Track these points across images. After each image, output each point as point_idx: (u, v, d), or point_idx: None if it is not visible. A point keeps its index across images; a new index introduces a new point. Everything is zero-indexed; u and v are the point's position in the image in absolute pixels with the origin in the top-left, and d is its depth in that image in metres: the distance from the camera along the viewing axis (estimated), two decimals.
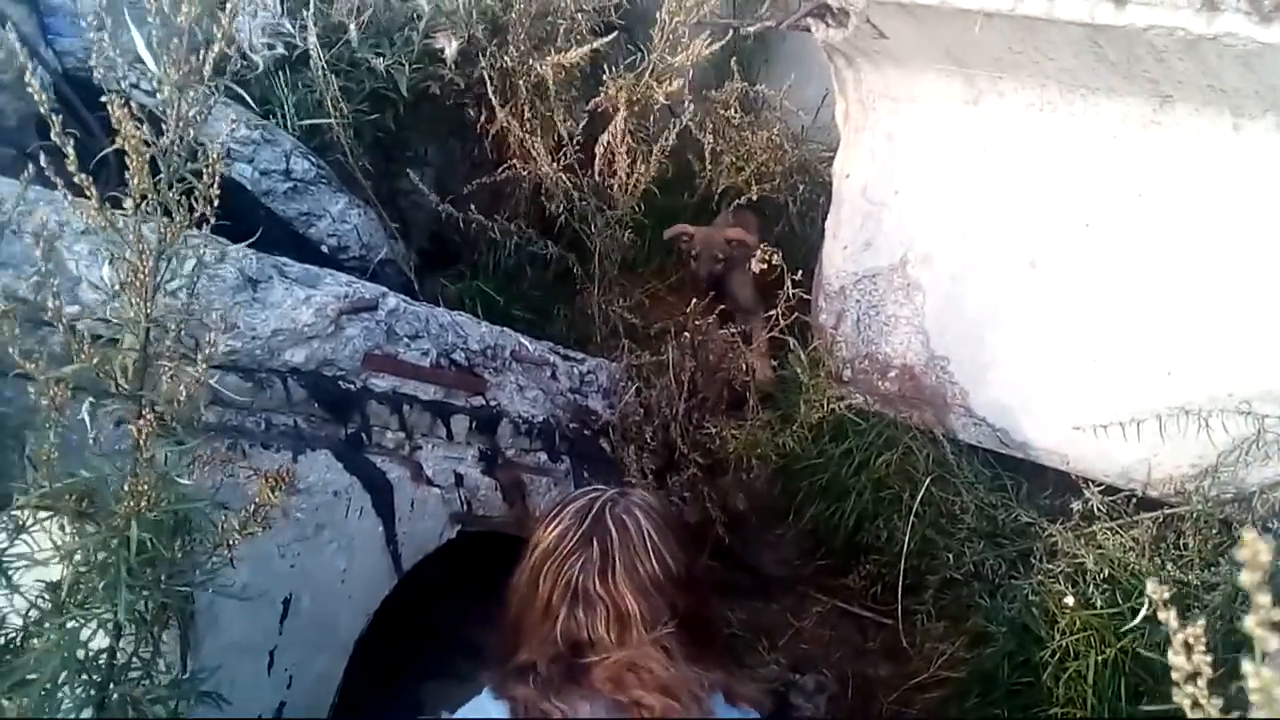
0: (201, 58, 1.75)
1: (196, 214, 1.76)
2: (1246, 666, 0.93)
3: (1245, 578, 0.94)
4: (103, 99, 1.72)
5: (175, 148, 1.76)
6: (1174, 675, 1.05)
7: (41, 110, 1.68)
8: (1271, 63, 2.69)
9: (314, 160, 3.87)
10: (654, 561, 1.85)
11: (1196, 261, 3.15)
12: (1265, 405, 3.00)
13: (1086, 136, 3.29)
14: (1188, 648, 1.04)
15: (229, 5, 1.84)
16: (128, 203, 1.72)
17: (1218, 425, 3.07)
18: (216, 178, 1.78)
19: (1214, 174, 3.07)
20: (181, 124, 1.75)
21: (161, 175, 1.75)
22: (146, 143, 1.69)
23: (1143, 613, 2.73)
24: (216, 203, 1.78)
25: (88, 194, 1.69)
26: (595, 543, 1.84)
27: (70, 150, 1.65)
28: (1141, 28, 2.78)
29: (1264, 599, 0.94)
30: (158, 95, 1.79)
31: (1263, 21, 2.59)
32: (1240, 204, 3.04)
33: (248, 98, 3.43)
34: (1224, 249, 3.09)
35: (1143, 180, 3.21)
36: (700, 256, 4.45)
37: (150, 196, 1.72)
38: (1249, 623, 0.95)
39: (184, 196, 1.77)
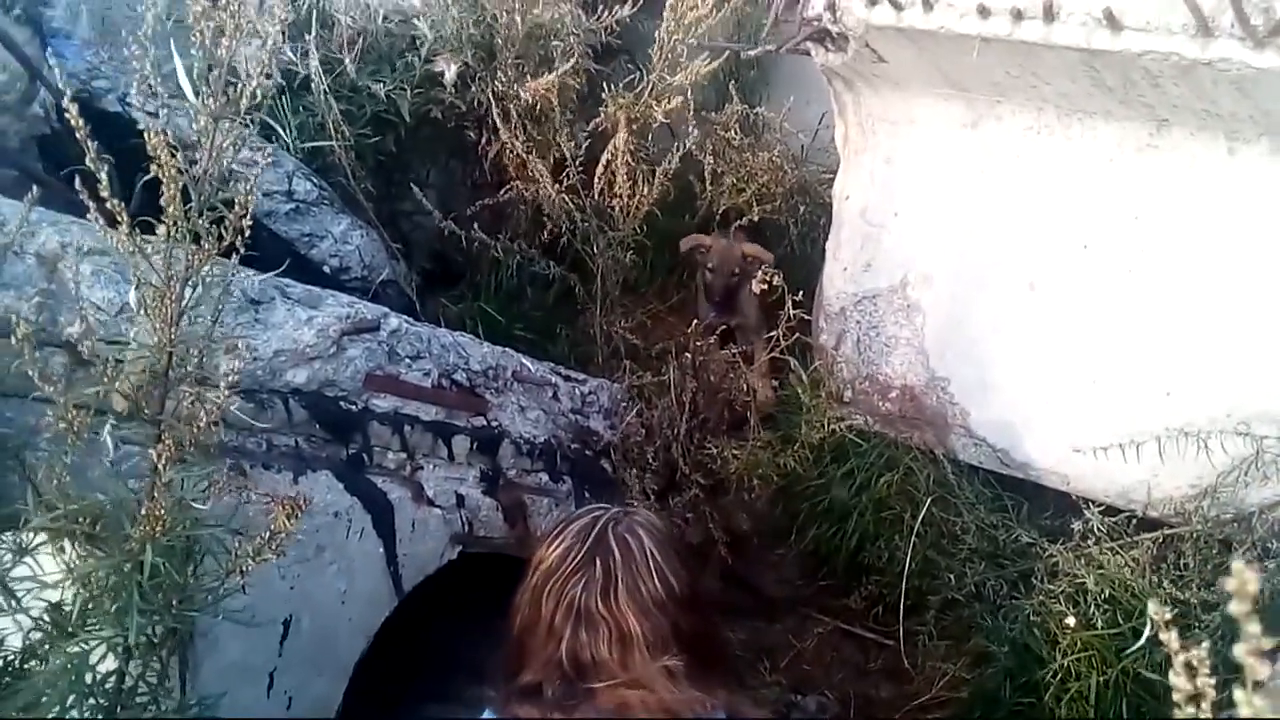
0: (239, 90, 1.77)
1: (226, 242, 1.77)
2: (1238, 695, 0.93)
3: (1234, 607, 0.95)
4: (102, 121, 1.73)
5: (208, 177, 1.77)
6: (1175, 697, 1.05)
7: (79, 135, 1.68)
8: (1266, 87, 2.71)
9: (316, 181, 3.89)
10: (656, 581, 1.84)
11: (1194, 283, 3.16)
12: (1263, 426, 3.01)
13: (1084, 160, 3.30)
14: (1189, 669, 1.04)
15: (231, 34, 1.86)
16: (161, 230, 1.73)
17: (1216, 446, 3.07)
18: (249, 208, 1.80)
19: (1209, 197, 3.08)
20: (216, 154, 1.77)
21: (192, 203, 1.76)
22: (179, 170, 1.71)
23: (1145, 634, 2.74)
24: (248, 233, 1.79)
25: (119, 220, 1.70)
26: (598, 562, 1.84)
27: (104, 176, 1.66)
28: (1137, 53, 2.80)
29: (1254, 628, 0.94)
30: (184, 118, 1.81)
31: (1257, 47, 2.60)
32: (1236, 226, 3.05)
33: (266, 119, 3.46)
34: (1220, 271, 3.10)
35: (1139, 203, 3.22)
36: (716, 269, 4.47)
37: (180, 223, 1.73)
38: (1239, 650, 0.96)
39: (214, 225, 1.78)
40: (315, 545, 2.58)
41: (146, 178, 1.75)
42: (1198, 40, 2.68)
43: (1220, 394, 3.12)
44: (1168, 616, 1.05)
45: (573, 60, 4.36)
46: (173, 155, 1.71)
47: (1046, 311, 3.48)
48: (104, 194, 1.68)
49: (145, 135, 1.70)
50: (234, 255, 1.83)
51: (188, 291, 1.80)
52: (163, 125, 1.83)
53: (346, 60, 4.11)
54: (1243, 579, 0.94)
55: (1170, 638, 1.03)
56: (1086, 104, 3.20)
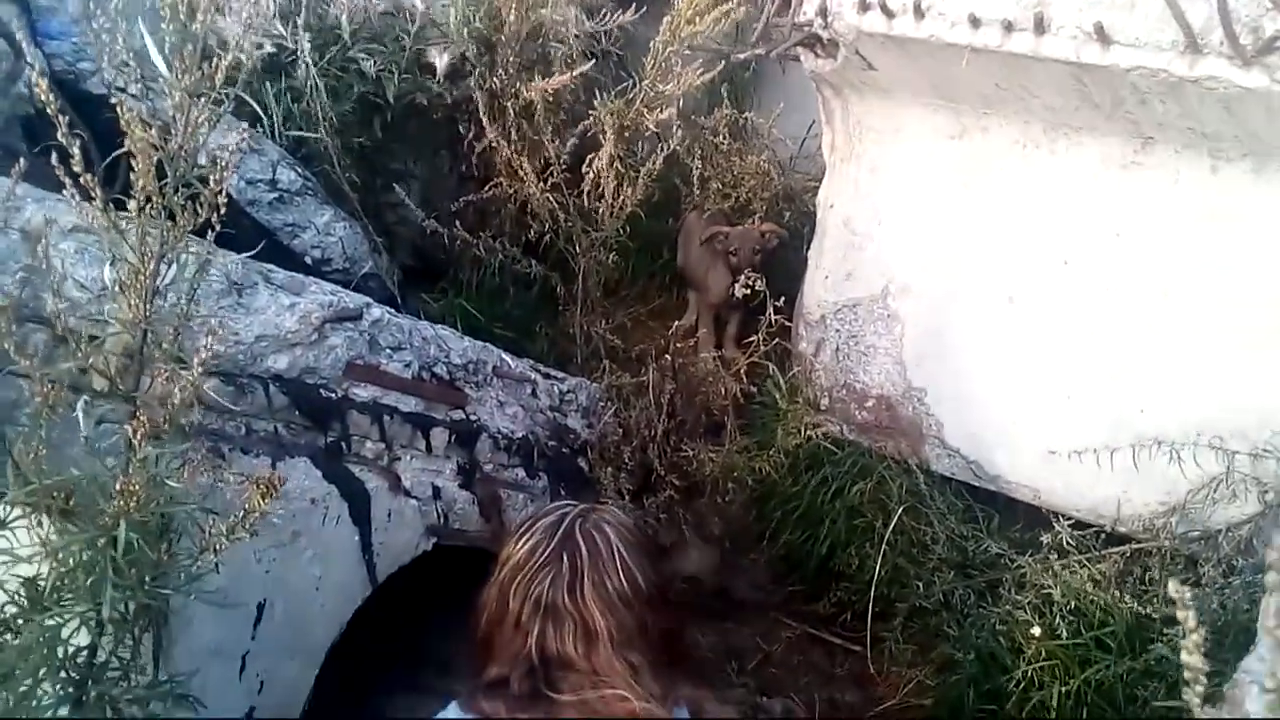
0: (214, 65, 1.77)
1: (200, 219, 1.77)
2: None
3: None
4: (86, 101, 1.73)
5: (183, 153, 1.77)
6: (1186, 675, 1.07)
7: (49, 111, 1.69)
8: (1251, 107, 2.74)
9: (300, 171, 3.89)
10: (622, 578, 1.85)
11: (1171, 301, 3.19)
12: (1235, 443, 3.04)
13: (1068, 175, 3.34)
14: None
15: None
16: (132, 205, 1.73)
17: (1188, 462, 3.11)
18: (225, 185, 1.80)
19: (1191, 215, 3.11)
20: (190, 129, 1.77)
21: (167, 180, 1.76)
22: (154, 146, 1.71)
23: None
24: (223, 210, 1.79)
25: (93, 195, 1.70)
26: (565, 558, 1.85)
27: (76, 151, 1.66)
28: (1125, 69, 2.83)
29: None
30: (164, 99, 1.81)
31: (1244, 66, 2.64)
32: (1216, 245, 3.08)
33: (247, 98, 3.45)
34: (1199, 289, 3.13)
35: (1121, 219, 3.25)
36: (740, 251, 4.49)
37: (155, 200, 1.73)
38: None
39: (189, 201, 1.79)
40: (291, 531, 2.58)
41: (114, 155, 1.76)
42: (1186, 57, 2.71)
43: (1193, 412, 3.15)
44: (1188, 595, 1.07)
45: (577, 68, 4.37)
46: (146, 130, 1.71)
47: (1024, 325, 3.52)
48: (77, 170, 1.68)
49: (118, 111, 1.71)
50: (209, 233, 1.83)
51: (163, 269, 1.80)
52: (150, 106, 1.83)
53: (344, 24, 4.09)
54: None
55: (1188, 617, 1.06)
56: (1073, 119, 3.23)
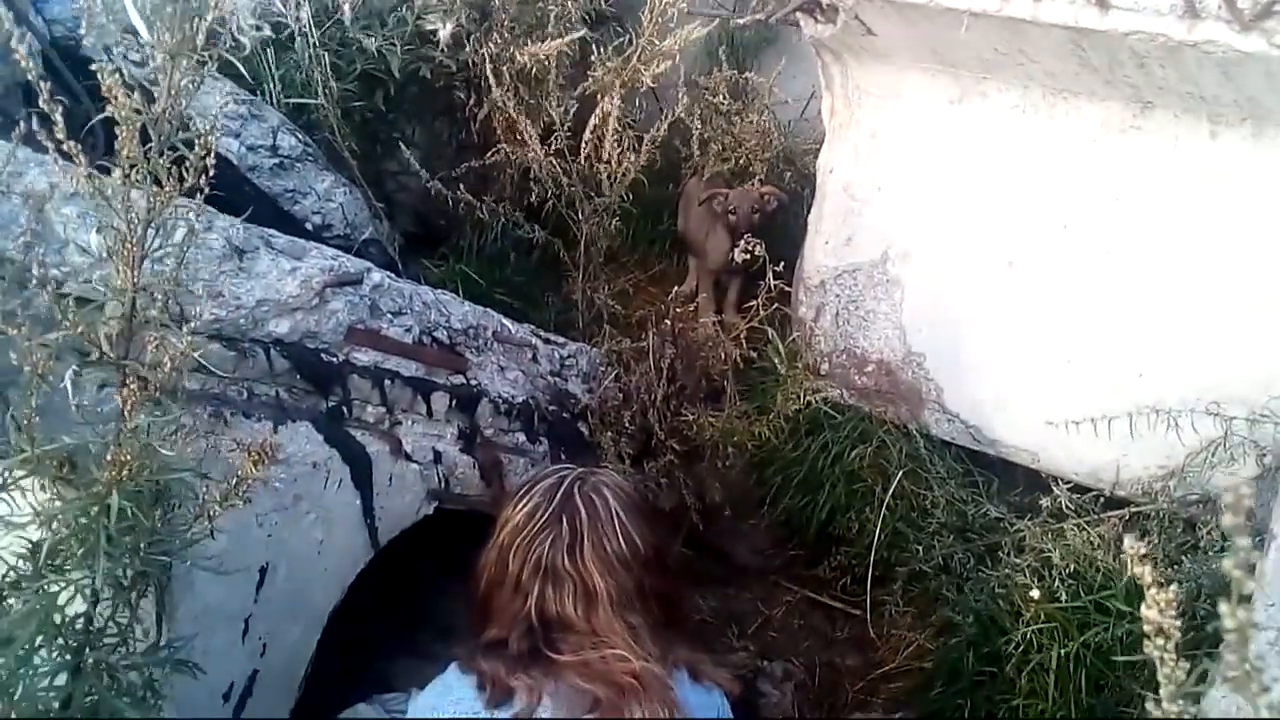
0: (195, 27, 1.76)
1: (187, 184, 1.77)
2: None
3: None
4: (91, 67, 1.73)
5: (166, 116, 1.77)
6: (1146, 628, 1.09)
7: (30, 77, 1.69)
8: (1249, 71, 2.74)
9: (301, 137, 3.88)
10: (621, 540, 1.87)
11: (1171, 265, 3.20)
12: (1233, 408, 3.05)
13: (1067, 139, 3.33)
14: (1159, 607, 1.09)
15: None
16: (116, 170, 1.73)
17: (1186, 427, 3.12)
18: (210, 148, 1.79)
19: (1190, 180, 3.11)
20: (173, 93, 1.76)
21: (152, 144, 1.76)
22: (137, 111, 1.71)
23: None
24: (212, 173, 1.79)
25: (76, 160, 1.70)
26: (565, 520, 1.87)
27: (58, 116, 1.66)
28: (1124, 33, 2.82)
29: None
30: (149, 64, 1.81)
31: (1242, 30, 2.63)
32: (1215, 210, 3.09)
33: (240, 69, 3.43)
34: (1198, 254, 3.14)
35: (1121, 184, 3.25)
36: (739, 211, 4.49)
37: (140, 165, 1.73)
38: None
39: (174, 166, 1.78)
40: (293, 495, 2.59)
41: (95, 119, 1.75)
42: (1184, 22, 2.70)
43: (1192, 376, 3.17)
44: (1143, 551, 1.08)
45: (574, 33, 4.35)
46: (129, 95, 1.71)
47: (1024, 290, 3.52)
48: (60, 136, 1.67)
49: (99, 75, 1.70)
50: (198, 196, 1.82)
51: (150, 234, 1.80)
52: (148, 72, 1.82)
53: (345, 6, 4.08)
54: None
55: (1145, 572, 1.07)
56: (1072, 84, 3.22)
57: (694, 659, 1.93)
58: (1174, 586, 1.07)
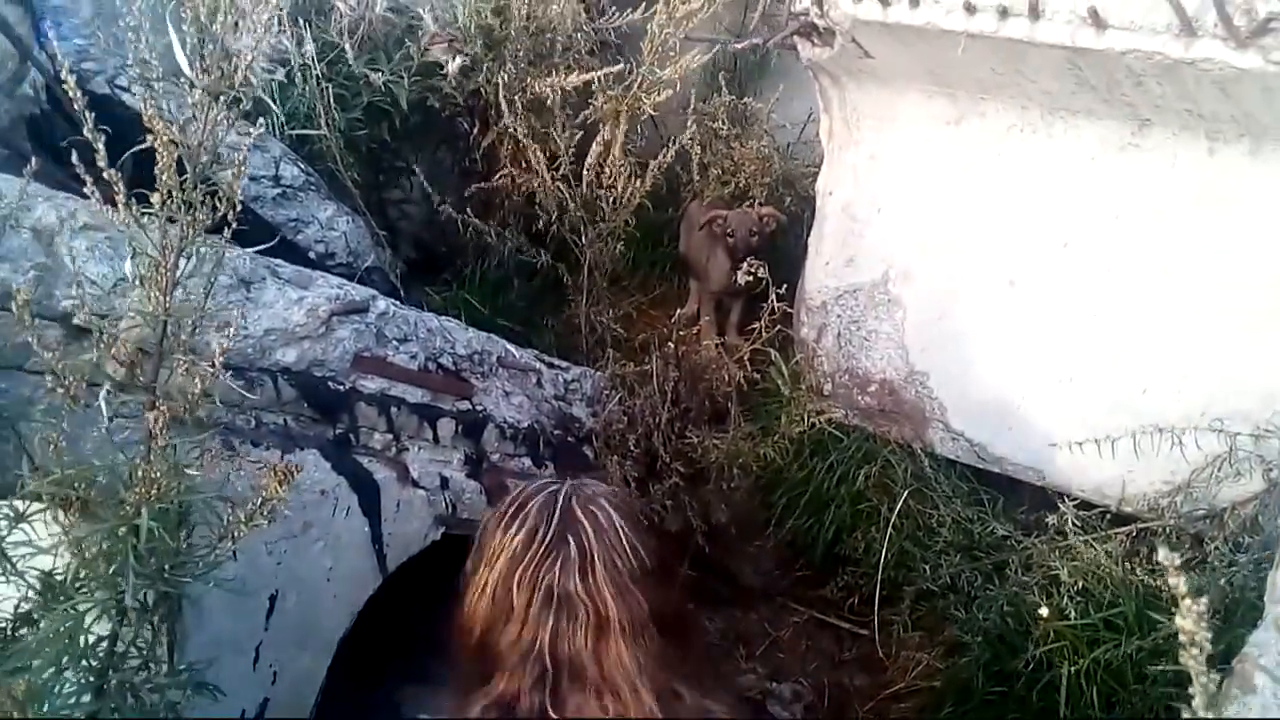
0: (233, 65, 1.80)
1: (219, 214, 1.80)
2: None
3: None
4: (89, 104, 1.75)
5: (202, 149, 1.80)
6: (1181, 639, 1.10)
7: (76, 107, 1.70)
8: (1246, 88, 2.75)
9: (303, 167, 3.91)
10: (630, 556, 1.77)
11: (1172, 282, 3.20)
12: (1237, 424, 3.06)
13: (1066, 158, 3.34)
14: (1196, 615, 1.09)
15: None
16: (155, 199, 1.75)
17: (1191, 443, 3.12)
18: (241, 180, 1.83)
19: (1189, 196, 3.12)
20: (210, 127, 1.79)
21: (187, 176, 1.79)
22: (173, 143, 1.73)
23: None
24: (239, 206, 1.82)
25: (116, 191, 1.72)
26: (571, 540, 1.74)
27: (100, 146, 1.68)
28: (1121, 51, 2.83)
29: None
30: (171, 99, 1.85)
31: (1239, 47, 2.64)
32: (1214, 225, 3.09)
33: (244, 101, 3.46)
34: (1198, 270, 3.14)
35: (1120, 202, 3.26)
36: (737, 233, 4.52)
37: (175, 195, 1.76)
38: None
39: (208, 197, 1.81)
40: (302, 522, 2.60)
41: (134, 150, 1.78)
42: (1181, 40, 2.72)
43: (1196, 392, 3.17)
44: (1178, 562, 1.09)
45: (582, 62, 4.39)
46: (168, 126, 1.74)
47: (1026, 308, 3.53)
48: (101, 165, 1.70)
49: (143, 109, 1.73)
50: (226, 230, 1.85)
51: (182, 263, 1.82)
52: (165, 106, 1.86)
53: (346, 46, 4.11)
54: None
55: (1179, 582, 1.08)
56: (1070, 103, 3.24)
57: (704, 688, 1.80)
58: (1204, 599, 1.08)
